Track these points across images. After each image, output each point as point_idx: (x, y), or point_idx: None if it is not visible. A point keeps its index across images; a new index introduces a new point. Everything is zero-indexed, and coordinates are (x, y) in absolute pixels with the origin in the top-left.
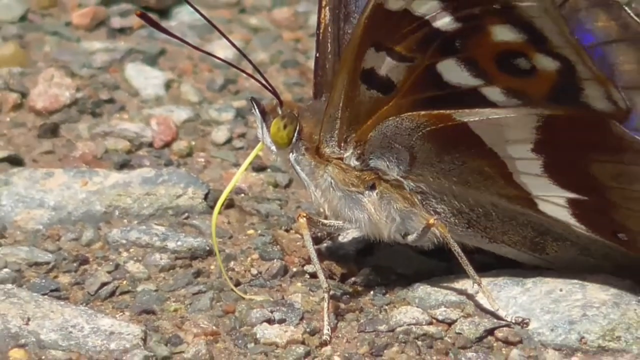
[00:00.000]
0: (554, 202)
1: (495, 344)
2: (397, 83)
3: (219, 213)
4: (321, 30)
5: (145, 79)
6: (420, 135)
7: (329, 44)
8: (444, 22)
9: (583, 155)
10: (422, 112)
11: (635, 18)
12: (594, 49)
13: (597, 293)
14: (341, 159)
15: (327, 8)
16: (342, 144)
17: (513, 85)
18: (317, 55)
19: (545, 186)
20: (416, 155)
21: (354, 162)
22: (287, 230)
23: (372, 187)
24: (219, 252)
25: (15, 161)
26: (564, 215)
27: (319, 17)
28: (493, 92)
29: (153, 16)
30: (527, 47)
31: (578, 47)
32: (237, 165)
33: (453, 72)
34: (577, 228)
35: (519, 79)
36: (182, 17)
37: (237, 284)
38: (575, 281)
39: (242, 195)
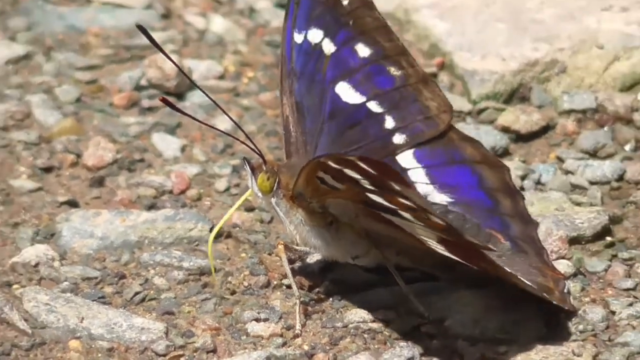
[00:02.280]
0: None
1: (420, 336)
2: (341, 189)
3: (217, 239)
4: (283, 115)
5: (167, 144)
6: (361, 211)
7: (290, 123)
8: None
9: None
10: (361, 206)
11: None
12: None
13: (493, 300)
14: (308, 206)
15: (284, 97)
16: (309, 199)
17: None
18: (284, 131)
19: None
20: (359, 215)
21: (317, 209)
22: (269, 254)
23: (331, 224)
24: (213, 262)
25: (72, 204)
26: (442, 249)
27: (281, 106)
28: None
29: (172, 99)
30: None
31: None
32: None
33: (377, 200)
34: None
35: None
36: (194, 99)
37: (233, 292)
38: (478, 290)
39: (237, 228)
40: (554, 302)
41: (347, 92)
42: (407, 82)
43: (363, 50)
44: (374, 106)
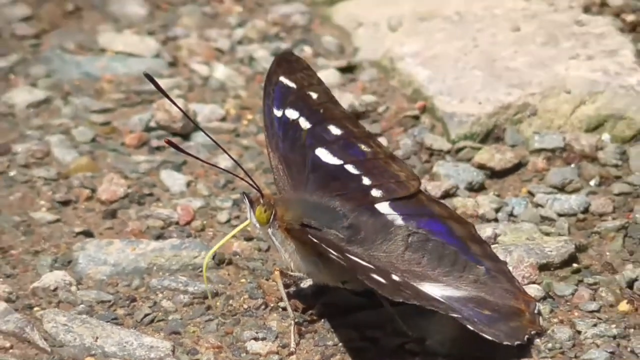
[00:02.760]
0: None
1: (404, 354)
2: None
3: (219, 265)
4: (272, 164)
5: (173, 180)
6: None
7: (279, 170)
8: None
9: None
10: None
11: None
12: None
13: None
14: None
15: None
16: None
17: None
18: (275, 177)
19: None
20: None
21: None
22: (267, 279)
23: (321, 253)
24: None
25: (88, 234)
26: None
27: (269, 158)
28: None
29: (178, 139)
30: None
31: None
32: (234, 236)
33: None
34: None
35: None
36: (198, 139)
37: (234, 314)
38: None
39: (237, 256)
40: (487, 337)
41: (325, 156)
42: (377, 157)
43: (335, 130)
44: (351, 168)
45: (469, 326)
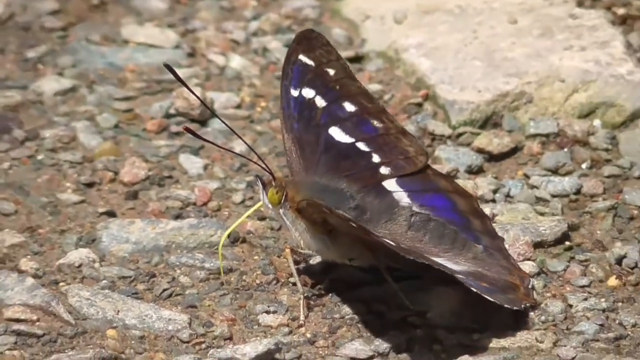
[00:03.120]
0: None
1: (406, 326)
2: None
3: (234, 243)
4: (286, 146)
5: (191, 163)
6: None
7: (292, 152)
8: None
9: None
10: None
11: None
12: None
13: (467, 295)
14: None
15: (286, 133)
16: (311, 214)
17: None
18: (287, 158)
19: None
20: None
21: (318, 220)
22: (278, 256)
23: (330, 232)
24: (223, 261)
25: (111, 214)
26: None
27: (283, 140)
28: None
29: (196, 125)
30: None
31: None
32: (248, 216)
33: None
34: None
35: None
36: (215, 125)
37: (247, 289)
38: (455, 286)
39: (251, 234)
40: (498, 302)
41: (338, 134)
42: (389, 132)
43: (349, 107)
44: (362, 146)
45: (473, 289)
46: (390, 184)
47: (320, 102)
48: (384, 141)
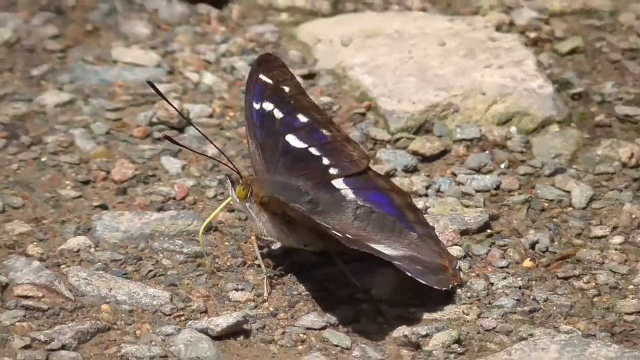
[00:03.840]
0: None
1: (354, 301)
2: None
3: (208, 232)
4: (250, 151)
5: (172, 164)
6: None
7: (256, 155)
8: None
9: None
10: None
11: None
12: None
13: (405, 275)
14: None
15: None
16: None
17: None
18: (251, 161)
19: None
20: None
21: (278, 212)
22: (245, 243)
23: (289, 222)
24: (205, 248)
25: (104, 207)
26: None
27: (248, 145)
28: None
29: (175, 132)
30: None
31: None
32: (221, 210)
33: None
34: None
35: None
36: (191, 132)
37: (220, 270)
38: (394, 269)
39: (222, 224)
40: (419, 280)
41: (294, 141)
42: (336, 140)
43: (302, 119)
44: (314, 151)
45: (408, 273)
46: (339, 183)
47: (278, 114)
48: (332, 147)
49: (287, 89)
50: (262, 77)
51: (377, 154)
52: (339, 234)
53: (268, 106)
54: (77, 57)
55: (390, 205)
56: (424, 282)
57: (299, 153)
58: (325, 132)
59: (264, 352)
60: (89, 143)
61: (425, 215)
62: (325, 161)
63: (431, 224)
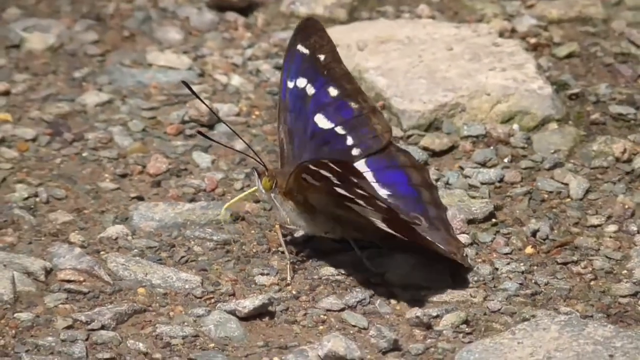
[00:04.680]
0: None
1: (369, 285)
2: (317, 185)
3: (235, 221)
4: (279, 138)
5: (202, 159)
6: (333, 202)
7: (284, 143)
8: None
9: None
10: (330, 197)
11: None
12: None
13: (417, 260)
14: (295, 199)
15: (280, 125)
16: (296, 193)
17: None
18: (279, 149)
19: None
20: (329, 204)
21: (301, 200)
22: (270, 231)
23: (310, 211)
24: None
25: (140, 198)
26: (384, 226)
27: (278, 132)
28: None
29: (205, 129)
30: None
31: None
32: (246, 198)
33: (341, 191)
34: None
35: None
36: (220, 129)
37: (246, 256)
38: (407, 254)
39: (248, 214)
40: (458, 261)
41: (322, 121)
42: (362, 113)
43: (333, 92)
44: (339, 130)
45: (439, 245)
46: (361, 165)
47: (311, 90)
48: (357, 122)
49: (322, 57)
50: (299, 47)
51: None
52: (383, 205)
53: (301, 82)
54: (115, 60)
55: (408, 184)
56: (446, 253)
57: (325, 135)
58: (352, 104)
59: (287, 332)
60: (126, 139)
61: None
62: (349, 140)
63: None
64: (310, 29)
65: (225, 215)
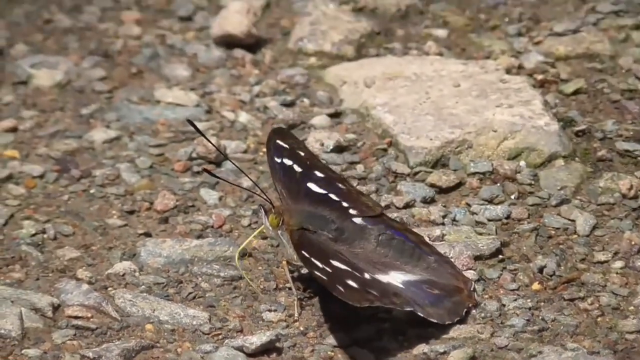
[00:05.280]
0: None
1: (376, 320)
2: None
3: (243, 257)
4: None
5: (209, 195)
6: None
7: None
8: None
9: None
10: None
11: None
12: None
13: None
14: None
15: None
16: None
17: None
18: (280, 197)
19: None
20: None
21: None
22: (277, 267)
23: None
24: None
25: (147, 235)
26: None
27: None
28: None
29: (212, 166)
30: None
31: None
32: (255, 237)
33: None
34: None
35: None
36: (227, 166)
37: (254, 292)
38: None
39: (256, 250)
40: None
41: (315, 187)
42: (350, 192)
43: (319, 174)
44: (333, 196)
45: (419, 313)
46: (358, 220)
47: (298, 169)
48: (349, 196)
49: (302, 153)
50: (279, 141)
51: (398, 186)
52: (354, 285)
53: (287, 162)
54: (122, 97)
55: (406, 241)
56: (435, 320)
57: (320, 196)
58: (340, 185)
59: None
60: (133, 176)
61: (441, 243)
62: (345, 204)
63: (447, 250)
64: (285, 135)
65: (238, 258)
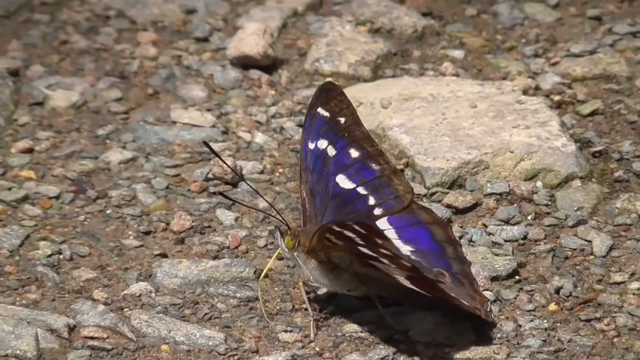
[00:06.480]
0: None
1: (392, 342)
2: (340, 245)
3: (263, 278)
4: (301, 197)
5: (225, 216)
6: (356, 261)
7: (306, 202)
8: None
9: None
10: (353, 255)
11: None
12: None
13: (440, 318)
14: (318, 257)
15: (302, 185)
16: (319, 252)
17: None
18: (301, 208)
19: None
20: (352, 262)
21: (324, 259)
22: (293, 288)
23: (333, 269)
24: (261, 296)
25: (163, 255)
26: (408, 283)
27: (300, 191)
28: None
29: (228, 187)
30: None
31: None
32: (270, 257)
33: (364, 251)
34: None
35: None
36: (243, 187)
37: (270, 313)
38: (430, 311)
39: (272, 271)
40: (482, 317)
41: (343, 181)
42: (383, 174)
43: (354, 153)
44: (361, 190)
45: (463, 300)
46: (383, 223)
47: (331, 151)
48: (379, 183)
49: (342, 120)
50: (319, 110)
51: None
52: (407, 264)
53: (322, 143)
54: (138, 118)
55: (431, 240)
56: (470, 310)
57: (346, 195)
58: (374, 165)
59: None
60: (149, 197)
61: None
62: (371, 200)
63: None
64: (330, 93)
65: (260, 283)
